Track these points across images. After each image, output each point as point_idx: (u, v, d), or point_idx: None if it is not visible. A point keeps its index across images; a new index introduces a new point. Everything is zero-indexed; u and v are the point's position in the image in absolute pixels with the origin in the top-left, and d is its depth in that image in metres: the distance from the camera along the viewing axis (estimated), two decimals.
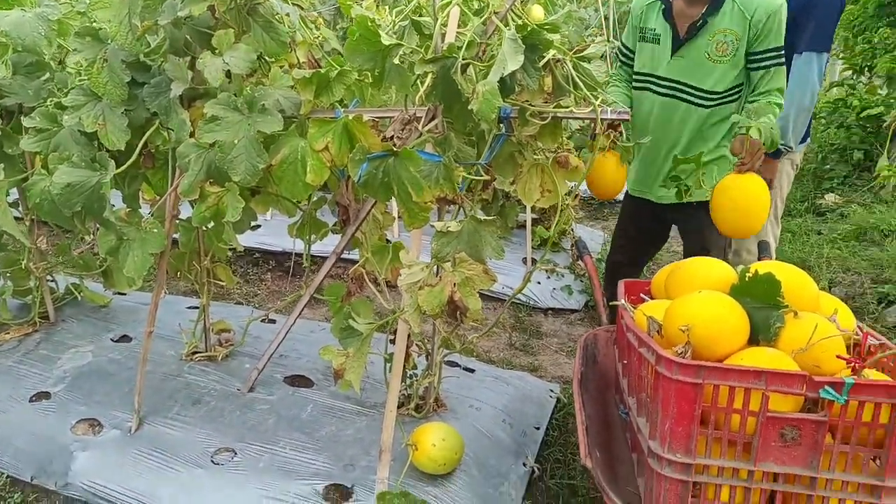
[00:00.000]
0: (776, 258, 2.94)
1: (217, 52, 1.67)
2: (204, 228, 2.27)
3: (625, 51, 2.39)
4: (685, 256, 2.39)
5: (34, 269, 2.55)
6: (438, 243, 1.56)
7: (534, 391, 2.48)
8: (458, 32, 1.48)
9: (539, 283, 3.53)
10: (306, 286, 2.25)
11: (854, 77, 5.86)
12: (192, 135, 1.71)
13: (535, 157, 1.69)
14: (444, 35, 1.48)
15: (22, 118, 1.90)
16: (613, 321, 2.02)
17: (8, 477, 1.95)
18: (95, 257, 2.67)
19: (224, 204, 1.74)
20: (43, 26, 1.96)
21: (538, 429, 2.26)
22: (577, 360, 1.95)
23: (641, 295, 1.83)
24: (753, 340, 1.42)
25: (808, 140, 2.80)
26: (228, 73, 1.69)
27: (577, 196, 4.39)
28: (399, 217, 3.16)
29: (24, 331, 2.58)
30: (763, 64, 2.08)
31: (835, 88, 6.06)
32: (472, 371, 2.53)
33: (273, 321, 2.81)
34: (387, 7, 2.38)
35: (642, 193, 2.41)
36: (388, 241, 2.06)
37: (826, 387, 1.22)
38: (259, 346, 2.47)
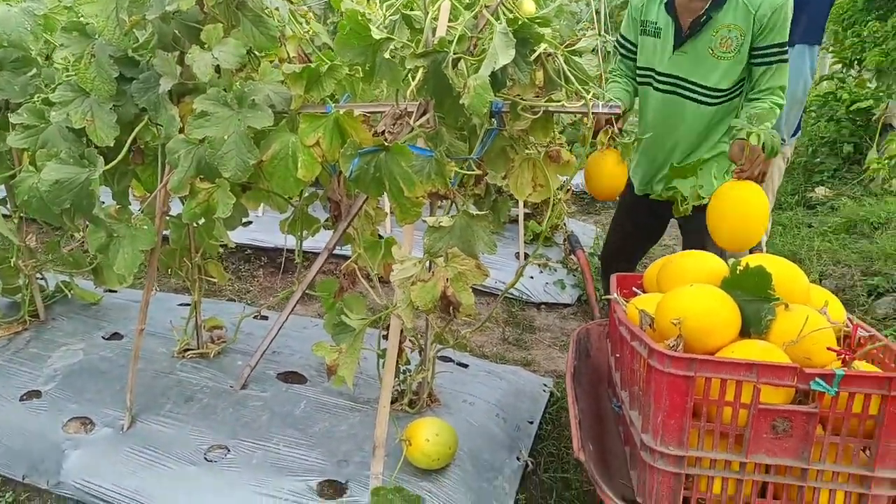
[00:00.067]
0: (767, 251, 2.96)
1: (206, 46, 1.65)
2: (194, 225, 2.26)
3: (624, 43, 2.31)
4: None
5: (23, 266, 2.53)
6: (431, 238, 1.56)
7: (527, 386, 2.48)
8: (448, 26, 1.48)
9: (532, 277, 3.54)
10: (298, 282, 2.24)
11: (844, 70, 5.90)
12: (181, 130, 1.70)
13: (526, 151, 1.69)
14: (434, 29, 1.47)
15: (8, 114, 1.88)
16: (606, 315, 2.02)
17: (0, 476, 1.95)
18: (85, 255, 2.65)
19: (214, 200, 1.73)
20: (29, 21, 1.94)
21: (532, 423, 2.26)
22: (569, 355, 1.95)
23: (633, 289, 1.83)
24: (745, 333, 1.43)
25: (800, 133, 2.81)
26: (218, 69, 1.67)
27: (569, 190, 4.40)
28: (391, 212, 3.15)
29: (13, 329, 2.56)
30: (766, 60, 2.03)
31: (825, 82, 6.09)
32: (465, 366, 2.53)
33: (265, 318, 2.81)
34: (377, 1, 2.37)
35: (642, 190, 2.38)
36: (380, 236, 2.06)
37: (817, 378, 1.23)
38: (251, 342, 2.46)
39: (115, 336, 2.57)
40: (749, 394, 1.26)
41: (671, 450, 1.32)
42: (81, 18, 1.76)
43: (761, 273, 1.41)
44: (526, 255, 3.75)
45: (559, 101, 1.55)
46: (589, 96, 1.51)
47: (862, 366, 1.34)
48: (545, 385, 2.53)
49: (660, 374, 1.30)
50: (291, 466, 1.87)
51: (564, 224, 4.03)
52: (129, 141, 1.81)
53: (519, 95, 1.55)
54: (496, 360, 2.82)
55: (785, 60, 2.04)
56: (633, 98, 2.33)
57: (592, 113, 1.54)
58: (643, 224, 2.50)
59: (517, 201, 3.50)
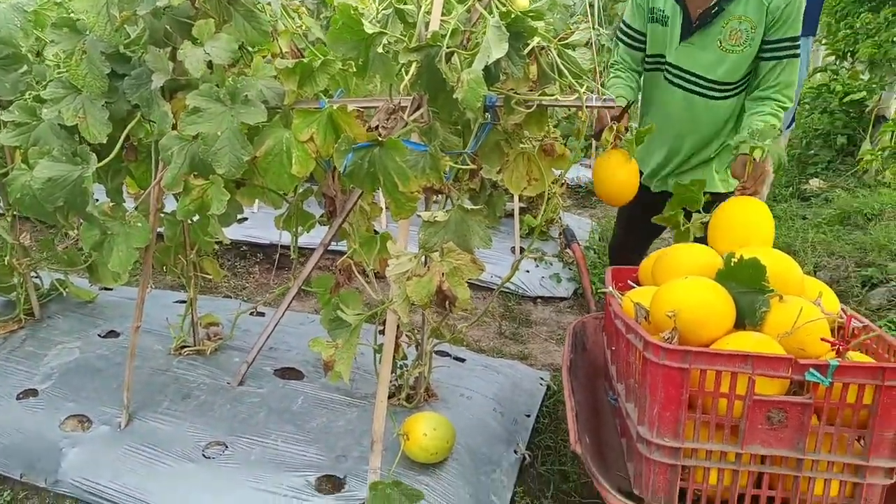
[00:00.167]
0: None
1: (198, 42, 1.64)
2: (189, 222, 2.25)
3: (628, 31, 2.20)
4: None
5: (18, 265, 2.52)
6: (426, 233, 1.55)
7: (524, 379, 2.49)
8: (442, 20, 1.47)
9: (528, 271, 3.54)
10: (294, 278, 2.23)
11: (837, 62, 5.90)
12: (174, 127, 1.69)
13: (521, 145, 1.69)
14: (427, 23, 1.46)
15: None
16: (602, 308, 2.03)
17: None
18: (80, 252, 2.64)
19: (209, 197, 1.72)
20: (19, 17, 1.92)
21: (529, 416, 2.27)
22: (566, 348, 1.96)
23: (629, 282, 1.84)
24: (739, 325, 1.44)
25: (793, 125, 2.81)
26: (210, 64, 1.67)
27: (564, 184, 4.40)
28: (386, 208, 3.15)
29: (9, 328, 2.55)
30: (777, 54, 1.95)
31: (818, 74, 6.10)
32: (462, 360, 2.53)
33: (262, 314, 2.80)
34: None
35: (647, 181, 2.33)
36: (375, 231, 2.06)
37: (811, 369, 1.23)
38: (248, 339, 2.46)
39: (112, 334, 2.56)
40: (744, 385, 1.27)
41: (667, 441, 1.33)
42: (72, 14, 1.74)
43: (755, 265, 1.41)
44: (521, 250, 3.75)
45: (553, 95, 1.55)
46: (582, 90, 1.51)
47: (856, 356, 1.35)
48: (542, 379, 2.54)
49: (655, 367, 1.31)
50: (289, 462, 1.87)
51: (560, 218, 4.03)
52: (121, 138, 1.80)
53: (513, 89, 1.55)
54: (493, 355, 2.83)
55: (796, 55, 1.96)
56: (636, 94, 2.26)
57: (587, 107, 1.53)
58: (646, 217, 2.37)
59: (512, 195, 3.50)
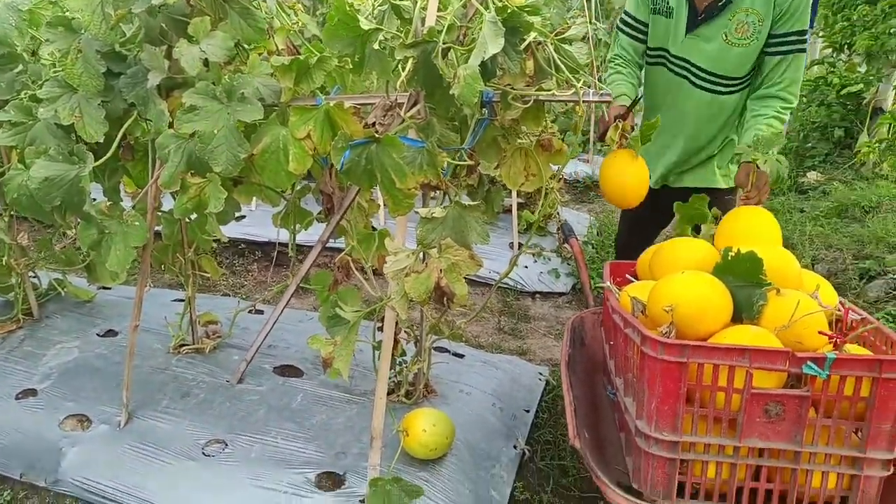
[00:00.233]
0: None
1: (194, 40, 1.64)
2: (187, 220, 2.25)
3: (631, 22, 2.13)
4: None
5: (15, 265, 2.51)
6: (423, 229, 1.55)
7: (523, 375, 2.49)
8: (438, 16, 1.47)
9: (526, 267, 3.55)
10: (293, 276, 2.24)
11: (834, 55, 5.90)
12: (171, 125, 1.69)
13: (518, 141, 1.69)
14: (423, 19, 1.46)
15: None
16: (600, 304, 2.03)
17: None
18: (78, 252, 2.64)
19: (206, 195, 1.72)
20: (14, 17, 1.92)
21: (528, 411, 2.28)
22: (564, 343, 1.96)
23: (627, 276, 1.84)
24: (737, 319, 1.44)
25: (791, 118, 2.81)
26: (206, 62, 1.66)
27: (561, 179, 4.41)
28: (384, 204, 3.15)
29: (7, 328, 2.55)
30: (783, 48, 1.90)
31: (815, 66, 6.09)
32: (461, 356, 2.54)
33: (260, 312, 2.80)
34: None
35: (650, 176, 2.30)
36: (373, 228, 2.06)
37: (808, 362, 1.24)
38: (247, 337, 2.46)
39: (110, 333, 2.56)
40: (742, 379, 1.27)
41: (665, 435, 1.33)
42: (67, 13, 1.74)
43: (753, 259, 1.41)
44: (520, 245, 3.75)
45: (550, 90, 1.54)
46: (579, 85, 1.51)
47: (853, 349, 1.36)
48: (541, 374, 2.54)
49: (653, 361, 1.31)
50: (289, 459, 1.87)
51: (558, 213, 4.04)
52: (118, 137, 1.79)
53: (509, 85, 1.54)
54: (492, 350, 2.83)
55: (803, 50, 1.91)
56: (637, 90, 2.19)
57: (584, 101, 1.53)
58: (654, 211, 2.28)
59: (510, 191, 3.51)
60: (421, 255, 1.59)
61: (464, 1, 1.48)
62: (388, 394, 1.99)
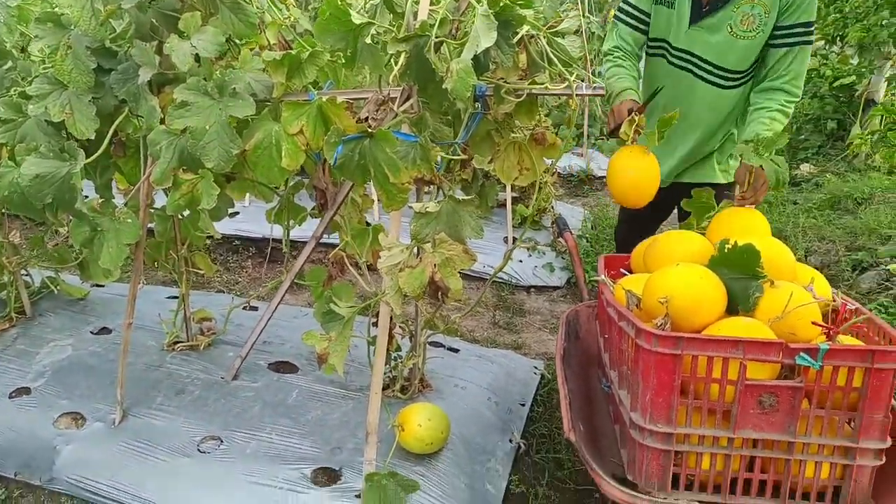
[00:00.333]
0: None
1: (184, 35, 1.63)
2: (179, 217, 2.24)
3: (632, 11, 2.09)
4: None
5: (7, 263, 2.50)
6: (417, 224, 1.55)
7: (518, 369, 2.50)
8: (430, 10, 1.46)
9: (521, 261, 3.55)
10: (287, 272, 2.23)
11: (826, 47, 5.91)
12: (162, 121, 1.68)
13: (512, 135, 1.69)
14: (416, 13, 1.45)
15: None
16: (595, 297, 2.03)
17: None
18: (70, 250, 2.63)
19: (199, 191, 1.71)
20: (2, 13, 1.90)
21: (523, 405, 2.28)
22: (559, 337, 1.97)
23: (621, 269, 1.84)
24: (732, 311, 1.45)
25: None
26: (197, 57, 1.65)
27: (555, 173, 4.40)
28: (378, 199, 3.14)
29: (0, 326, 2.54)
30: (789, 41, 1.87)
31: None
32: (456, 351, 2.54)
33: (255, 308, 2.80)
34: None
35: None
36: (367, 223, 2.05)
37: (801, 353, 1.24)
38: (241, 333, 2.46)
39: (104, 331, 2.55)
40: (735, 370, 1.28)
41: (660, 427, 1.34)
42: (56, 9, 1.72)
43: (750, 251, 1.41)
44: (514, 239, 3.75)
45: (543, 84, 1.54)
46: (572, 78, 1.50)
47: (846, 340, 1.36)
48: (536, 367, 2.55)
49: (647, 353, 1.31)
50: (285, 455, 1.87)
51: (552, 207, 4.04)
52: (109, 133, 1.78)
53: (502, 78, 1.54)
54: (487, 345, 2.83)
55: (810, 42, 1.88)
56: (638, 83, 2.15)
57: (577, 95, 1.53)
58: (655, 203, 2.30)
59: (504, 185, 3.50)
60: (415, 249, 1.58)
61: None
62: (384, 389, 2.00)
